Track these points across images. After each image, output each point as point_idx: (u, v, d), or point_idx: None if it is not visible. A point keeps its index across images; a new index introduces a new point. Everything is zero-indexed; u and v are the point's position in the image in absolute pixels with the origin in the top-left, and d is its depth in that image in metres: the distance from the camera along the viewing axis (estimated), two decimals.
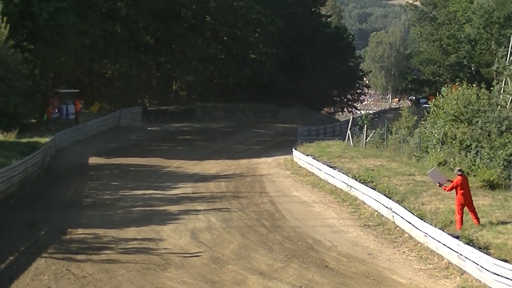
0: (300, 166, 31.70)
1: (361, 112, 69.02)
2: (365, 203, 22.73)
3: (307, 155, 31.55)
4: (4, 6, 36.62)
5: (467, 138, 25.86)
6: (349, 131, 36.59)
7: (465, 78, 36.46)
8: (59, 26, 40.31)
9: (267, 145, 43.15)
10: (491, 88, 28.10)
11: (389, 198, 20.93)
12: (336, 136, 40.37)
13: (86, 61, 50.76)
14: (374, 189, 22.47)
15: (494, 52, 53.04)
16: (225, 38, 61.74)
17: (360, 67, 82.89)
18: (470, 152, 24.81)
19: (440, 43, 66.00)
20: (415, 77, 72.78)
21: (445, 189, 18.14)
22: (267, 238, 18.76)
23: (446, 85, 33.56)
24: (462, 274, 15.29)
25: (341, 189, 25.35)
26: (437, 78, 66.01)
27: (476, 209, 17.84)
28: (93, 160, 34.34)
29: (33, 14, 39.33)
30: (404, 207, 19.71)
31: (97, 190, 26.72)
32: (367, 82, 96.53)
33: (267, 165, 33.63)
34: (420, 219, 18.18)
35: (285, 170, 31.65)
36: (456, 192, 17.61)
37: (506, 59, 29.26)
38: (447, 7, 65.28)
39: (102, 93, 56.30)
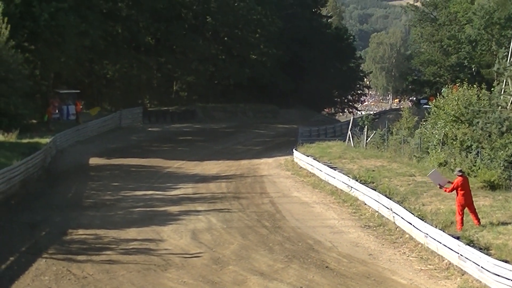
0: (301, 167, 31.69)
1: (361, 113, 69.16)
2: (365, 204, 22.72)
3: (308, 156, 31.54)
4: (5, 6, 36.63)
5: (468, 138, 25.85)
6: (349, 132, 36.57)
7: (466, 79, 36.52)
8: (59, 27, 40.30)
9: (268, 145, 43.12)
10: (492, 89, 28.14)
11: (390, 199, 20.91)
12: (337, 137, 40.37)
13: (87, 61, 50.75)
14: (375, 190, 22.44)
15: (494, 53, 53.08)
16: (225, 38, 61.76)
17: (361, 68, 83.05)
18: (470, 152, 24.82)
19: (440, 44, 66.00)
20: (415, 77, 72.69)
21: (445, 190, 18.14)
22: (268, 239, 18.76)
23: (446, 86, 33.52)
24: (463, 275, 15.28)
25: (341, 189, 25.34)
26: (437, 79, 65.97)
27: (476, 210, 17.84)
28: (93, 161, 34.35)
29: (34, 14, 39.31)
30: (404, 207, 19.70)
31: (98, 190, 26.72)
32: (367, 82, 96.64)
33: (267, 165, 33.62)
34: (421, 219, 18.17)
35: (286, 171, 31.64)
36: (457, 193, 17.59)
37: (507, 60, 29.25)
38: (448, 8, 65.30)
39: (103, 93, 56.23)
